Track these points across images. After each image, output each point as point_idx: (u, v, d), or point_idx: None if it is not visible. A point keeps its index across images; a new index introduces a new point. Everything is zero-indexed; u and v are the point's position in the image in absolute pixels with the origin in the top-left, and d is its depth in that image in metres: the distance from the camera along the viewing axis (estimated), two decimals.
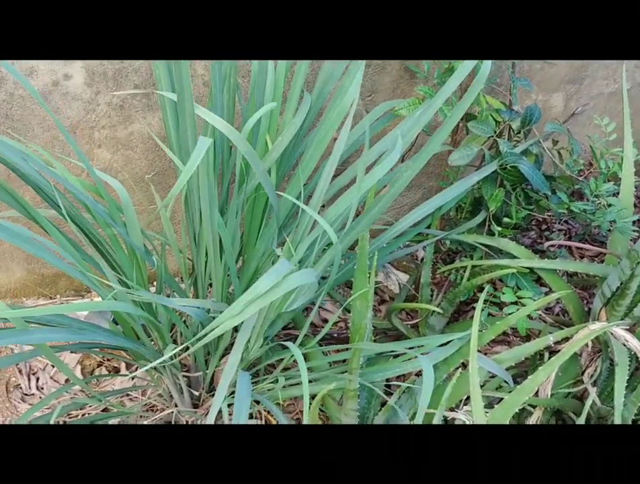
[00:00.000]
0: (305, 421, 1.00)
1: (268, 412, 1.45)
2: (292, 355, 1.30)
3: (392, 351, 1.32)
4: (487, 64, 1.17)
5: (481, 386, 1.28)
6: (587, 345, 1.46)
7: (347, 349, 1.68)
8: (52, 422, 1.03)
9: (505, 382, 1.29)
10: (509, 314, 1.36)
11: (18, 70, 1.30)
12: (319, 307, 1.81)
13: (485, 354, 1.31)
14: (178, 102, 1.01)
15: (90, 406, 1.46)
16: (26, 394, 1.53)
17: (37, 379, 1.56)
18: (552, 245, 1.63)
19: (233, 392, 1.33)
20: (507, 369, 1.28)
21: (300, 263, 1.27)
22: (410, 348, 1.27)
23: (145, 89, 1.43)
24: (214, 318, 1.30)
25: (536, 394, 1.32)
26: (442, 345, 1.27)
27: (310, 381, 1.29)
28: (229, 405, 1.37)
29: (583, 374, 1.44)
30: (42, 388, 1.54)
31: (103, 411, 1.46)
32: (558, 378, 1.38)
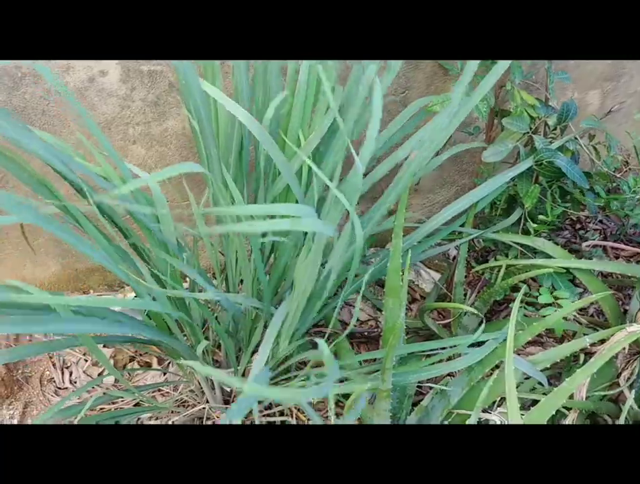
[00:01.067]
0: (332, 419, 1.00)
1: (299, 410, 1.45)
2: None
3: (424, 350, 1.31)
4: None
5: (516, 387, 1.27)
6: (623, 347, 1.43)
7: (377, 347, 1.68)
8: (82, 414, 1.04)
9: (540, 383, 1.27)
10: (544, 316, 1.34)
11: (54, 67, 1.32)
12: (350, 305, 1.81)
13: (518, 355, 1.29)
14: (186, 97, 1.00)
15: (122, 400, 1.47)
16: (59, 388, 1.55)
17: (71, 373, 1.57)
18: (588, 245, 1.61)
19: None
20: (541, 370, 1.26)
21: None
22: (444, 348, 1.26)
23: (180, 86, 1.44)
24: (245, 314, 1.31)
25: (571, 396, 1.29)
26: (475, 345, 1.26)
27: (340, 380, 1.28)
28: (260, 402, 1.37)
29: (619, 376, 1.41)
30: (75, 382, 1.56)
31: (135, 405, 1.47)
32: (593, 380, 1.35)
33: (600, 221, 2.01)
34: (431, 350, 1.27)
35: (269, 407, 1.41)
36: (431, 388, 1.31)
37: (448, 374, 1.46)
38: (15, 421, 1.44)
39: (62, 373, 1.57)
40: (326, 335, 1.26)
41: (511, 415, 1.07)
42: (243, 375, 1.40)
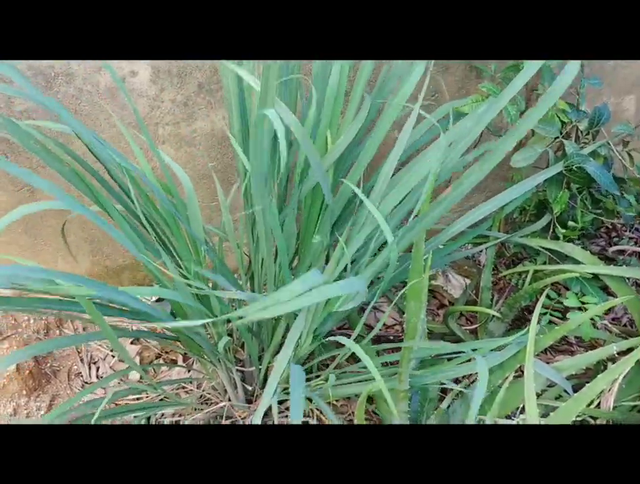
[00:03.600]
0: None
1: (320, 411, 1.45)
2: (344, 353, 1.29)
3: (447, 353, 1.29)
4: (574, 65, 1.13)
5: (539, 395, 1.23)
6: None
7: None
8: (103, 405, 1.06)
9: (565, 391, 1.24)
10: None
11: (87, 67, 1.35)
12: (375, 309, 1.80)
13: (548, 363, 1.27)
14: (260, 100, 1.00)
15: (147, 396, 1.49)
16: (87, 383, 1.57)
17: (98, 368, 1.60)
18: (619, 251, 1.57)
19: (285, 389, 1.33)
20: (567, 378, 1.23)
21: (354, 262, 1.26)
22: (464, 352, 1.24)
23: (209, 87, 1.46)
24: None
25: (598, 406, 1.26)
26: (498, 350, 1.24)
27: (361, 381, 1.28)
28: (280, 402, 1.37)
29: None
30: (102, 377, 1.58)
31: (159, 401, 1.49)
32: (622, 390, 1.32)
33: (637, 229, 1.96)
34: (453, 353, 1.26)
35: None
36: (451, 389, 1.29)
37: (472, 381, 1.44)
38: (42, 413, 1.47)
39: (90, 368, 1.60)
40: (350, 338, 1.26)
41: (530, 421, 1.05)
42: (265, 374, 1.41)
